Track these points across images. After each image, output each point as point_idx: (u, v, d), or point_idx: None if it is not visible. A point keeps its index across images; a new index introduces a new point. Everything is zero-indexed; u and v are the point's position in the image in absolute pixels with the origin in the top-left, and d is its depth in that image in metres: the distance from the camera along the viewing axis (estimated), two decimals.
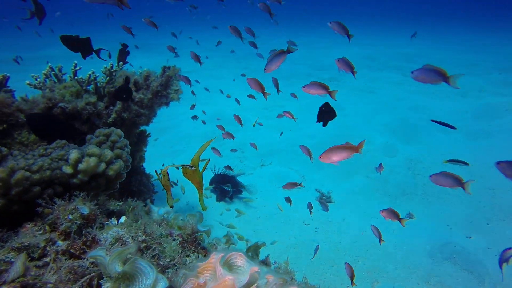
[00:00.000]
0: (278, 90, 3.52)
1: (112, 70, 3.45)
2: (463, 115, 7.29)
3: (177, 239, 1.30)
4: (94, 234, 1.09)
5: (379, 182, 5.00)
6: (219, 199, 4.91)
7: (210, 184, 5.01)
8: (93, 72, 3.35)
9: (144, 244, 1.10)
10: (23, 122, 2.82)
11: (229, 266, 0.95)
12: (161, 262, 1.10)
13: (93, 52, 3.10)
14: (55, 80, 3.52)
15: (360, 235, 3.93)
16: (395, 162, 5.35)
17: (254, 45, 6.68)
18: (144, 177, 3.62)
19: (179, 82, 3.57)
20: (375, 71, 11.11)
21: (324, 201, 4.60)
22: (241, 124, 4.82)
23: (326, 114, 2.79)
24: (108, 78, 3.37)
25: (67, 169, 1.14)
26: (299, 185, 3.55)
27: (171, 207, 1.36)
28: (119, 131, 1.54)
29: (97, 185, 1.21)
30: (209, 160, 1.28)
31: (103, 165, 1.20)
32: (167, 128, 7.67)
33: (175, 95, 3.40)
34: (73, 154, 1.16)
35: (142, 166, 3.75)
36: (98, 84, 3.30)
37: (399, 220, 2.81)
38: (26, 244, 0.99)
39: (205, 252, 1.36)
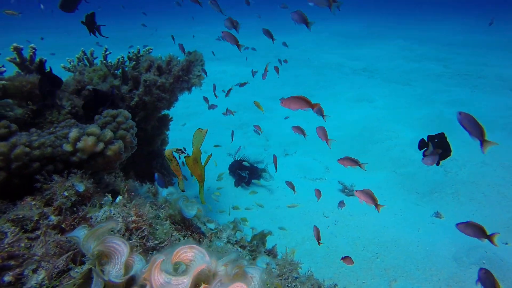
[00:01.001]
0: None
1: (139, 55, 3.51)
2: (509, 112, 6.67)
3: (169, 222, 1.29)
4: (86, 212, 1.10)
5: (407, 178, 4.74)
6: (236, 184, 4.94)
7: (229, 169, 5.07)
8: (122, 57, 3.43)
9: (134, 225, 1.10)
10: (52, 103, 2.96)
11: (178, 262, 0.90)
12: (148, 244, 1.08)
13: (95, 27, 3.20)
14: (87, 63, 3.65)
15: (381, 231, 3.75)
16: None
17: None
18: (165, 160, 3.69)
19: (201, 67, 3.55)
20: (413, 62, 10.45)
21: (343, 202, 4.40)
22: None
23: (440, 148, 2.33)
24: (134, 62, 3.44)
25: (67, 147, 1.16)
26: (359, 165, 3.14)
27: (183, 191, 1.33)
28: (126, 112, 1.54)
29: (95, 164, 1.22)
30: (211, 155, 1.23)
31: (101, 145, 1.21)
32: (195, 113, 7.78)
33: (197, 80, 3.40)
34: (73, 133, 1.17)
35: (164, 149, 3.82)
36: (127, 68, 3.38)
37: (359, 165, 2.51)
38: (21, 216, 1.02)
39: (199, 237, 1.33)
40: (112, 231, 1.02)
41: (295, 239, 3.75)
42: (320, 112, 2.56)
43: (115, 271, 0.90)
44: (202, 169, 1.22)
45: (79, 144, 1.17)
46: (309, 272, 1.98)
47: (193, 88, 3.53)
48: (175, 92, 3.27)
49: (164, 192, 1.55)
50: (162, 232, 1.18)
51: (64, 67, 3.66)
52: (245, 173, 4.75)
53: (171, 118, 3.67)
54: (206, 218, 2.38)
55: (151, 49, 3.69)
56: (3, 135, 1.18)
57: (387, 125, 5.87)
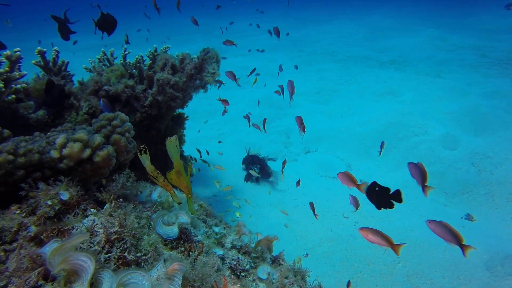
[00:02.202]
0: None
1: (156, 54, 3.50)
2: None
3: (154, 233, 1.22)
4: (67, 222, 1.05)
5: (435, 177, 4.41)
6: (246, 179, 4.88)
7: (243, 162, 5.05)
8: (141, 56, 3.44)
9: (116, 236, 1.03)
10: (72, 104, 3.02)
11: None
12: (129, 257, 1.02)
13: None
14: (108, 64, 3.70)
15: (404, 234, 3.51)
16: (456, 156, 4.65)
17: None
18: (181, 160, 3.67)
19: (216, 65, 3.48)
20: (445, 52, 9.76)
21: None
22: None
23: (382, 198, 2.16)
24: (150, 61, 3.43)
25: (54, 154, 1.12)
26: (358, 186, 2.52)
27: (179, 203, 1.25)
28: (123, 115, 1.49)
29: (83, 171, 1.18)
30: (192, 164, 1.14)
31: (88, 151, 1.16)
32: (217, 110, 7.76)
33: (211, 78, 3.32)
34: (59, 139, 1.13)
35: (181, 149, 3.80)
36: (145, 68, 3.38)
37: (358, 186, 2.07)
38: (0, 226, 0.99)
39: (190, 248, 1.25)
40: (83, 244, 0.96)
41: (311, 241, 3.61)
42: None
43: None
44: (187, 181, 1.13)
45: (65, 151, 1.13)
46: (316, 282, 1.85)
47: (211, 86, 3.47)
48: (188, 90, 3.22)
49: (154, 195, 1.49)
50: (148, 243, 1.12)
51: (86, 68, 3.73)
52: (256, 167, 4.68)
53: (187, 117, 3.64)
54: (216, 219, 2.32)
55: (168, 47, 3.66)
56: None
57: (414, 121, 5.51)
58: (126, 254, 1.02)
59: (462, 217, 3.79)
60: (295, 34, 13.20)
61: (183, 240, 1.30)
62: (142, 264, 1.05)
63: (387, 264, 3.19)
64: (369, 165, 4.98)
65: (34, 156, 1.10)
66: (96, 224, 1.06)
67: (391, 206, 1.94)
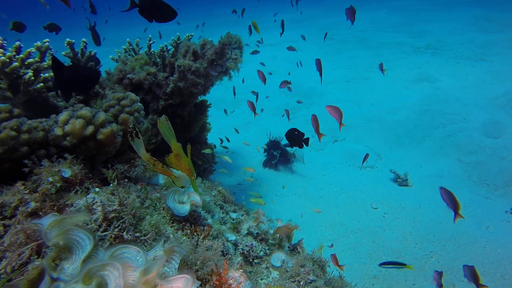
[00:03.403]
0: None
1: (179, 42, 3.47)
2: None
3: (162, 213, 1.15)
4: (67, 199, 1.01)
5: (475, 167, 4.03)
6: (264, 164, 4.80)
7: (264, 149, 4.95)
8: (165, 45, 3.43)
9: (114, 215, 0.98)
10: (97, 92, 3.07)
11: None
12: (126, 236, 0.96)
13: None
14: (133, 54, 3.73)
15: (438, 227, 3.24)
16: (500, 144, 4.21)
17: None
18: (204, 147, 3.64)
19: (238, 51, 3.38)
20: (491, 33, 8.90)
21: (401, 181, 3.95)
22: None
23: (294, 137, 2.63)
24: (173, 49, 3.40)
25: (57, 131, 1.09)
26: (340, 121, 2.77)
27: (182, 187, 1.16)
28: (133, 95, 1.44)
29: (87, 148, 1.14)
30: (190, 145, 1.02)
31: (90, 128, 1.11)
32: (244, 100, 7.69)
33: (233, 63, 3.23)
34: (62, 116, 1.10)
35: (204, 136, 3.77)
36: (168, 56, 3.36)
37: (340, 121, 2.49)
38: (0, 202, 0.97)
39: (195, 230, 1.17)
40: (85, 223, 0.91)
41: (337, 231, 3.44)
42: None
43: (71, 268, 0.79)
44: (189, 163, 1.02)
45: (67, 127, 1.09)
46: (337, 273, 1.72)
47: (234, 72, 3.39)
48: (210, 77, 3.15)
49: (160, 179, 1.43)
50: (149, 223, 1.05)
51: (113, 58, 3.78)
52: (277, 152, 4.58)
53: (210, 104, 3.59)
54: (234, 206, 2.24)
55: (192, 35, 3.61)
56: (3, 119, 1.15)
57: (451, 107, 5.07)
58: (124, 233, 0.97)
59: (507, 211, 3.43)
60: (324, 22, 12.74)
61: (190, 222, 1.23)
62: (140, 245, 0.98)
63: (418, 258, 2.96)
64: (400, 154, 4.67)
65: (39, 134, 1.08)
66: (96, 202, 1.01)
67: (301, 146, 2.55)
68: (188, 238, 1.16)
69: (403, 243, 3.14)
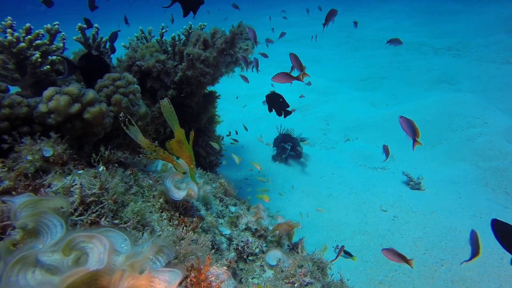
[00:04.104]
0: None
1: (191, 31, 3.38)
2: None
3: (155, 201, 1.06)
4: (44, 179, 0.93)
5: (493, 174, 3.79)
6: (274, 159, 4.70)
7: (274, 141, 4.86)
8: (178, 34, 3.35)
9: (93, 199, 0.89)
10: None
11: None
12: (103, 223, 0.87)
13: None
14: (145, 41, 3.67)
15: (450, 234, 3.05)
16: None
17: None
18: (212, 139, 3.56)
19: (250, 42, 3.27)
20: None
21: (413, 184, 3.76)
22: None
23: (275, 102, 2.49)
24: (184, 38, 3.32)
25: (42, 107, 1.01)
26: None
27: (184, 173, 1.06)
28: (130, 77, 1.36)
29: (73, 128, 1.06)
30: (193, 132, 0.93)
31: (76, 106, 1.03)
32: (256, 95, 7.58)
33: (243, 54, 3.13)
34: (47, 91, 1.02)
35: (212, 128, 3.68)
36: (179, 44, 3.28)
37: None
38: None
39: (182, 221, 1.08)
40: (61, 207, 0.82)
41: (344, 232, 3.30)
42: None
43: None
44: (190, 150, 0.94)
45: (50, 104, 1.01)
46: (338, 276, 1.59)
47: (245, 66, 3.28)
48: (219, 66, 3.06)
49: (159, 166, 1.34)
50: (131, 210, 0.96)
51: (124, 46, 3.73)
52: (288, 145, 4.47)
53: (219, 95, 3.49)
54: (235, 199, 2.15)
55: (205, 25, 3.53)
56: None
57: (471, 110, 4.80)
58: (102, 220, 0.88)
59: None
60: (343, 20, 12.42)
61: (179, 212, 1.14)
62: (132, 233, 0.90)
63: (428, 266, 2.79)
64: (415, 157, 4.46)
65: (22, 109, 1.01)
66: (75, 184, 0.92)
67: (279, 114, 2.45)
68: (175, 228, 1.06)
69: (412, 248, 2.98)
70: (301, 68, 2.46)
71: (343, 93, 7.08)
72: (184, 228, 1.01)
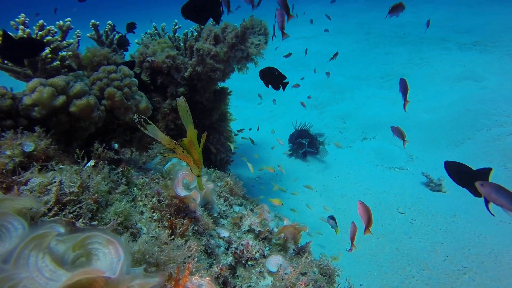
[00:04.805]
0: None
1: (203, 26, 3.31)
2: None
3: (148, 203, 0.98)
4: (20, 176, 0.86)
5: None
6: (290, 154, 4.57)
7: (289, 140, 4.74)
8: (191, 30, 3.29)
9: (71, 198, 0.81)
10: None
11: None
12: (78, 224, 0.79)
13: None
14: (158, 38, 3.63)
15: (475, 240, 2.82)
16: None
17: None
18: (223, 136, 3.47)
19: (263, 37, 3.15)
20: None
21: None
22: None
23: (271, 76, 2.36)
24: (196, 34, 3.25)
25: (26, 100, 0.95)
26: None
27: (198, 176, 0.99)
28: (126, 69, 1.28)
29: (58, 122, 0.99)
30: (206, 134, 0.86)
31: (61, 99, 0.96)
32: (272, 93, 7.43)
33: (255, 49, 3.01)
34: (30, 82, 0.95)
35: (224, 125, 3.58)
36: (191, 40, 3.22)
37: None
38: None
39: (172, 223, 0.98)
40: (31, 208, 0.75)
41: (357, 234, 3.13)
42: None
43: None
44: (199, 153, 0.87)
45: (33, 96, 0.95)
46: (346, 283, 1.46)
47: (258, 59, 3.17)
48: (230, 62, 2.96)
49: (156, 159, 1.26)
50: (114, 211, 0.88)
51: (137, 42, 3.71)
52: (305, 140, 4.33)
53: (230, 91, 3.40)
54: (242, 199, 2.04)
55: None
56: None
57: (498, 108, 4.46)
58: (80, 221, 0.80)
59: None
60: (363, 16, 12.05)
61: (170, 213, 1.05)
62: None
63: (448, 273, 2.59)
64: (435, 157, 4.20)
65: (5, 102, 0.95)
66: (54, 181, 0.85)
67: (277, 88, 2.38)
68: (161, 230, 0.97)
69: (431, 254, 2.78)
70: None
71: (360, 90, 6.83)
72: (172, 231, 0.92)
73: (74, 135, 1.05)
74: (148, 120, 0.81)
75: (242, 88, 7.70)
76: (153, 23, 3.69)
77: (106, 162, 1.04)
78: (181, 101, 0.86)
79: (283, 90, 2.40)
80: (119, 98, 1.17)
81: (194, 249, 0.87)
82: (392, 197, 3.58)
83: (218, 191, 1.82)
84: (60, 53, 2.66)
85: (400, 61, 7.75)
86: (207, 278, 0.73)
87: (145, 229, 0.92)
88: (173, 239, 0.92)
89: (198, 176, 0.95)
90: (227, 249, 1.24)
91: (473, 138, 4.24)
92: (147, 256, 0.73)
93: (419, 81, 6.44)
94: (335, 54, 6.03)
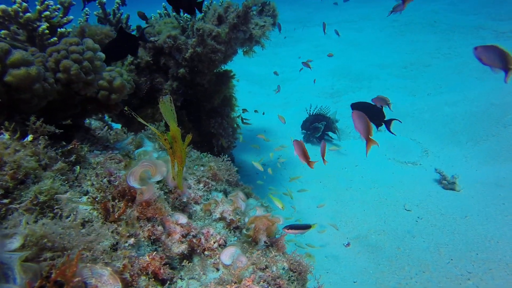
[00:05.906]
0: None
1: (210, 6, 3.18)
2: None
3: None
4: None
5: None
6: (305, 139, 4.43)
7: (303, 124, 4.57)
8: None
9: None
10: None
11: None
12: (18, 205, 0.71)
13: None
14: (167, 18, 3.53)
15: (484, 244, 2.57)
16: None
17: None
18: (225, 120, 3.37)
19: (270, 18, 2.97)
20: None
21: (446, 183, 3.24)
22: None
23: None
24: (202, 14, 3.12)
25: None
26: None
27: (174, 178, 0.95)
28: (91, 42, 1.19)
29: None
30: (192, 135, 0.79)
31: None
32: (288, 79, 7.22)
33: (259, 31, 2.84)
34: None
35: (228, 110, 3.47)
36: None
37: None
38: None
39: (104, 206, 0.89)
40: None
41: (358, 229, 2.97)
42: None
43: None
44: (183, 150, 0.81)
45: None
46: (316, 283, 1.33)
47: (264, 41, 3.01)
48: (231, 43, 2.81)
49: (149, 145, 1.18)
50: (37, 190, 0.80)
51: (147, 22, 3.63)
52: (322, 124, 4.16)
53: (233, 75, 3.26)
54: (225, 185, 1.92)
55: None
56: None
57: None
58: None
59: None
60: (392, 2, 11.30)
61: (112, 196, 0.96)
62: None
63: (450, 277, 2.38)
64: (454, 153, 3.88)
65: None
66: (14, 160, 0.78)
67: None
68: (99, 214, 0.89)
69: (434, 255, 2.57)
70: None
71: (379, 79, 6.45)
72: (106, 214, 0.83)
73: (17, 108, 0.98)
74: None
75: (258, 74, 7.52)
76: (163, 3, 3.58)
77: (47, 137, 0.96)
78: (166, 99, 0.83)
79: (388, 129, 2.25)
80: (75, 71, 1.08)
81: (124, 235, 0.78)
82: (400, 192, 3.36)
83: (199, 175, 1.72)
84: (59, 30, 2.61)
85: (427, 50, 7.22)
86: (109, 268, 0.63)
87: (67, 210, 0.84)
88: (104, 223, 0.84)
89: (179, 170, 0.89)
90: (185, 237, 1.15)
91: (498, 135, 3.86)
92: (45, 240, 0.64)
93: (445, 72, 5.97)
94: (330, 55, 5.89)
